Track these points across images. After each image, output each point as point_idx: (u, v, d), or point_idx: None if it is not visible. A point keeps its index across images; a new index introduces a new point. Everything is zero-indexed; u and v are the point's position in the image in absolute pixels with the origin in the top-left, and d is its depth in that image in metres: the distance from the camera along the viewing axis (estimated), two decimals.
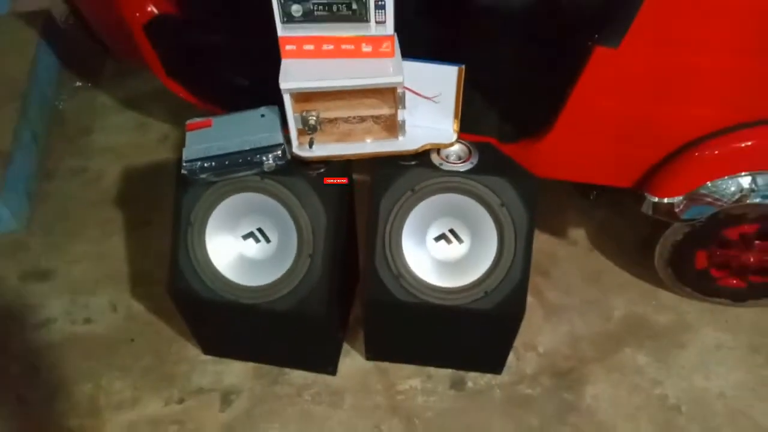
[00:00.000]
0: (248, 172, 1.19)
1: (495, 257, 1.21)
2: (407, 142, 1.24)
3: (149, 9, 1.87)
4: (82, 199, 1.91)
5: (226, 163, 1.16)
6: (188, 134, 1.21)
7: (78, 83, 2.28)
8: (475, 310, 1.22)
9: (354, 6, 1.12)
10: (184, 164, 1.15)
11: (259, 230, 1.26)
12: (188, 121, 1.25)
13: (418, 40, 1.25)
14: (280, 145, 1.18)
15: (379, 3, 1.11)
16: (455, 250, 1.25)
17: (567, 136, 1.32)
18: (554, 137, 1.32)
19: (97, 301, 1.65)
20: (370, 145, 1.25)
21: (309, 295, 1.21)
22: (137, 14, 1.73)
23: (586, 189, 1.52)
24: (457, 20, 1.67)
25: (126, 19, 1.60)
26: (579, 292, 1.64)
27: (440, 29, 1.60)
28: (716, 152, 1.26)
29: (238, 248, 1.27)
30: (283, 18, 1.14)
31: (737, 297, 1.57)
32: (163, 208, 1.43)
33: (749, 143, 1.24)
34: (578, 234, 1.76)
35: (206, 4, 1.88)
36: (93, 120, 2.16)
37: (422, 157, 1.24)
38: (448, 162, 1.23)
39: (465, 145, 1.26)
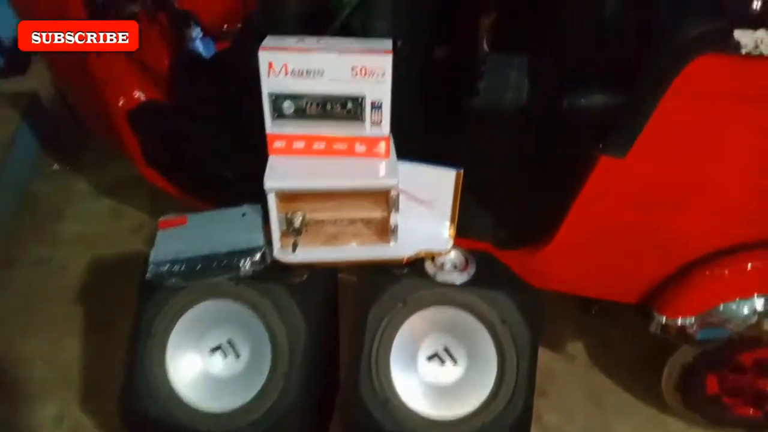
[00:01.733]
0: (223, 277, 1.07)
1: (495, 383, 1.08)
2: (399, 249, 1.14)
3: (136, 95, 1.83)
4: (43, 291, 1.76)
5: (198, 266, 1.04)
6: (159, 233, 1.11)
7: (56, 166, 2.19)
8: None
9: (349, 105, 1.06)
10: (150, 267, 1.03)
11: (229, 342, 1.12)
12: (162, 218, 1.15)
13: (413, 142, 1.19)
14: (260, 248, 1.07)
15: (376, 103, 1.06)
16: (450, 372, 1.11)
17: (568, 247, 1.23)
18: (555, 247, 1.23)
19: (42, 410, 1.46)
20: (359, 250, 1.15)
21: (281, 424, 1.05)
22: (122, 100, 1.69)
23: (588, 302, 1.41)
24: (455, 122, 1.64)
25: (108, 104, 1.54)
26: (581, 416, 1.48)
27: (437, 131, 1.55)
28: (729, 272, 1.17)
29: (203, 364, 1.12)
30: (273, 114, 1.07)
31: (753, 427, 1.43)
32: (129, 308, 1.28)
33: (764, 263, 1.16)
34: (576, 348, 1.63)
35: (196, 91, 1.84)
36: (66, 205, 2.05)
37: (415, 266, 1.14)
38: (443, 272, 1.12)
39: (461, 253, 1.16)
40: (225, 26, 1.99)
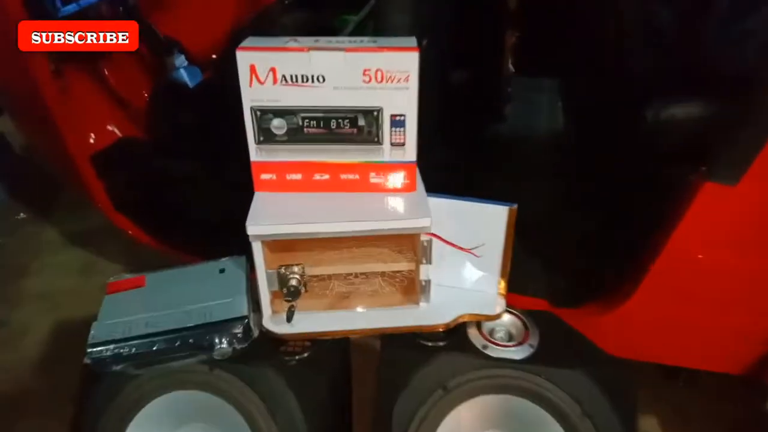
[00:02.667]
0: (191, 361, 0.77)
1: None
2: (433, 312, 0.85)
3: (108, 131, 1.59)
4: None
5: (155, 347, 0.74)
6: (106, 301, 0.81)
7: (22, 215, 1.93)
8: None
9: (361, 122, 0.78)
10: (90, 349, 0.74)
11: None
12: (111, 280, 0.86)
13: (443, 173, 0.91)
14: (242, 318, 0.78)
15: (397, 118, 0.78)
16: None
17: (655, 302, 0.93)
18: (636, 303, 0.93)
19: None
20: (379, 315, 0.85)
21: None
22: (89, 138, 1.46)
23: (674, 370, 1.10)
24: (479, 153, 1.37)
25: (69, 144, 1.29)
26: None
27: (458, 164, 1.29)
28: None
29: None
30: (259, 136, 0.80)
31: None
32: None
33: None
34: (650, 423, 1.30)
35: (178, 124, 1.61)
36: (32, 258, 1.78)
37: (455, 335, 0.84)
38: (494, 343, 0.82)
39: (519, 317, 0.86)
40: (214, 56, 1.77)
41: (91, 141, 1.55)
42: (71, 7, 1.27)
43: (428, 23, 1.10)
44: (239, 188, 0.83)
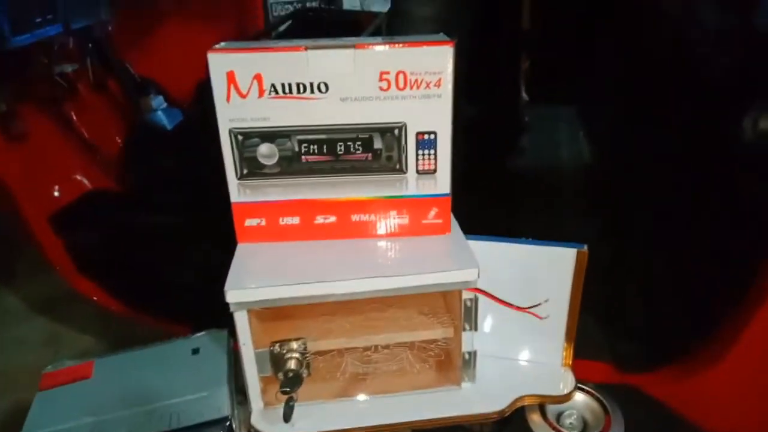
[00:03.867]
0: None
1: None
2: (481, 395, 0.63)
3: (77, 179, 1.42)
4: None
5: None
6: (39, 398, 0.60)
7: None
8: None
9: (377, 144, 0.59)
10: None
11: None
12: (47, 370, 0.64)
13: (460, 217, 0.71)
14: (223, 420, 0.56)
15: (426, 137, 0.59)
16: None
17: (754, 365, 0.73)
18: (730, 366, 0.73)
19: None
20: (408, 403, 0.63)
21: None
22: (55, 190, 1.28)
23: None
24: (499, 190, 1.19)
25: (18, 202, 1.11)
26: None
27: (480, 204, 1.10)
28: None
29: None
30: (240, 169, 0.60)
31: None
32: None
33: None
34: None
35: (154, 171, 1.43)
36: None
37: (512, 425, 0.62)
38: None
39: (592, 394, 0.65)
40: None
41: (54, 193, 1.37)
42: (24, 38, 1.10)
43: None
44: (225, 245, 0.64)
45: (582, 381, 0.66)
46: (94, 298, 1.17)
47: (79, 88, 1.40)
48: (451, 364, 0.65)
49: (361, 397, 0.64)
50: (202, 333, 0.67)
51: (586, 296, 0.66)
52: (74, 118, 1.41)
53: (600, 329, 0.84)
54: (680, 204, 0.80)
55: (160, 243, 1.26)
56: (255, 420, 0.61)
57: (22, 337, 1.53)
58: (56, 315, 1.58)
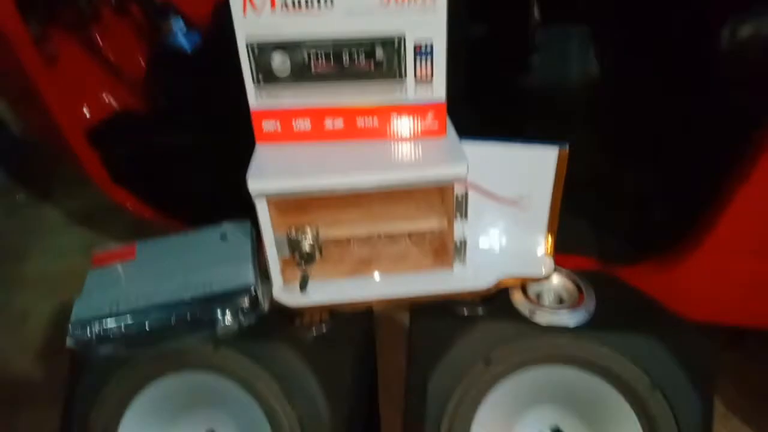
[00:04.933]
0: (191, 339, 0.66)
1: None
2: (470, 276, 0.73)
3: (106, 99, 1.50)
4: None
5: (147, 326, 0.64)
6: (91, 274, 0.71)
7: (21, 196, 1.84)
8: None
9: (379, 55, 0.66)
10: (71, 331, 0.63)
11: None
12: (96, 251, 0.75)
13: (474, 114, 0.78)
14: (248, 289, 0.66)
15: (423, 47, 0.66)
16: None
17: (727, 255, 0.81)
18: (704, 256, 0.81)
19: None
20: (407, 281, 0.74)
21: None
22: (81, 112, 1.36)
23: (738, 336, 0.98)
24: (507, 108, 1.24)
25: (57, 116, 1.19)
26: None
27: (485, 122, 1.16)
28: None
29: None
30: (257, 77, 0.67)
31: None
32: None
33: None
34: None
35: (177, 93, 1.50)
36: (31, 240, 1.69)
37: (497, 302, 0.72)
38: (543, 308, 0.71)
39: (569, 277, 0.74)
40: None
41: (86, 112, 1.45)
42: None
43: None
44: (246, 159, 0.73)
45: (560, 267, 0.75)
46: (128, 206, 1.27)
47: (102, 13, 1.45)
48: (445, 250, 0.74)
49: (367, 276, 0.74)
50: (228, 222, 0.77)
51: (572, 197, 0.74)
52: (99, 42, 1.47)
53: (584, 227, 0.93)
54: (667, 108, 0.86)
55: (185, 156, 1.36)
56: (276, 293, 0.72)
57: (62, 246, 1.67)
58: (93, 226, 1.71)
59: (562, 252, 0.80)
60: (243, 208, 0.79)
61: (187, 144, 1.38)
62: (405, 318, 0.77)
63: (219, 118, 1.31)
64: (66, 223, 1.75)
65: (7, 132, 1.96)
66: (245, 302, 0.65)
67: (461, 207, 0.68)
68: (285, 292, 0.72)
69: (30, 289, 1.54)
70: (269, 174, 0.65)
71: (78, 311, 0.65)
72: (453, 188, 0.67)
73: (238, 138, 0.79)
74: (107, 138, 1.33)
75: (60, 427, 0.71)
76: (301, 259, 0.69)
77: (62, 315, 1.45)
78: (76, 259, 1.61)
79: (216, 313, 0.64)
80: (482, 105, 1.24)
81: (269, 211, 0.67)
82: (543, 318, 0.69)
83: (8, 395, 1.26)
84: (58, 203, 1.81)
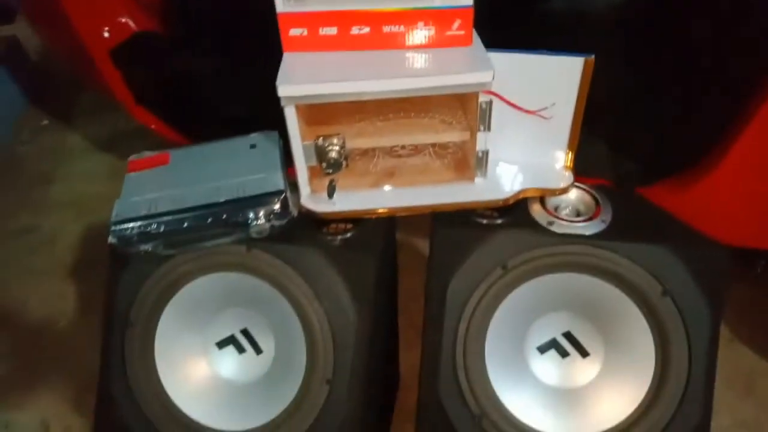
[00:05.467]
0: (225, 240, 0.70)
1: (651, 386, 0.70)
2: (490, 188, 0.75)
3: (122, 24, 1.48)
4: (27, 267, 1.44)
5: (185, 224, 0.67)
6: (128, 178, 0.74)
7: (45, 121, 1.86)
8: None
9: None
10: (113, 228, 0.67)
11: (244, 334, 0.76)
12: (132, 158, 0.78)
13: (494, 31, 0.78)
14: (279, 193, 0.69)
15: None
16: (577, 370, 0.73)
17: (748, 174, 0.82)
18: (720, 177, 0.82)
19: (22, 418, 1.15)
20: (429, 191, 0.76)
21: None
22: (103, 32, 1.36)
23: (753, 255, 1.00)
24: (527, 30, 1.23)
25: (82, 35, 1.19)
26: (726, 406, 1.09)
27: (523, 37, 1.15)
28: None
29: (209, 365, 0.77)
30: None
31: None
32: None
33: None
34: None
35: (200, 12, 1.48)
36: (57, 165, 1.73)
37: (516, 212, 0.75)
38: (561, 219, 0.73)
39: (587, 191, 0.76)
40: None
41: (105, 35, 1.45)
42: None
43: None
44: (269, 81, 0.74)
45: (579, 182, 0.77)
46: (152, 126, 1.29)
47: None
48: (466, 163, 0.76)
49: (390, 187, 0.77)
50: (257, 133, 0.79)
51: (589, 119, 0.75)
52: None
53: (601, 149, 0.94)
54: (690, 26, 0.85)
55: (206, 81, 1.36)
56: (303, 200, 0.75)
57: (88, 171, 1.71)
58: (117, 152, 1.74)
59: (579, 174, 0.82)
60: (267, 129, 0.81)
61: (209, 65, 1.39)
62: (422, 244, 0.79)
63: (240, 38, 1.31)
64: (90, 148, 1.78)
65: (26, 58, 1.97)
66: (277, 205, 0.68)
67: (485, 117, 0.70)
68: (312, 201, 0.75)
69: (57, 212, 1.58)
70: (298, 80, 0.67)
71: (119, 211, 0.68)
72: (477, 97, 0.68)
73: (259, 58, 0.80)
74: (129, 58, 1.34)
75: (104, 314, 0.75)
76: (328, 167, 0.71)
77: (90, 237, 1.51)
78: (102, 183, 1.65)
79: (249, 215, 0.68)
80: (502, 22, 1.22)
81: (298, 119, 0.69)
82: (560, 228, 0.72)
83: (46, 310, 1.33)
84: (82, 129, 1.84)
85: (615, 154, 0.96)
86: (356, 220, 0.76)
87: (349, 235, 0.74)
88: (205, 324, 0.76)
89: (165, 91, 1.32)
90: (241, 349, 0.76)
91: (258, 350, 0.76)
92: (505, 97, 0.70)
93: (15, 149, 1.79)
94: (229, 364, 0.76)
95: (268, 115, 0.81)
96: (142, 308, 0.73)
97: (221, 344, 0.77)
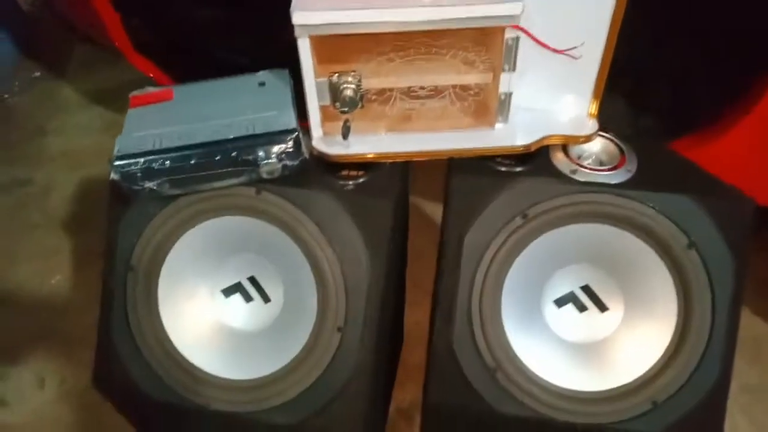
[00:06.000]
0: (234, 181, 0.67)
1: (673, 340, 0.68)
2: (512, 134, 0.72)
3: None
4: (21, 220, 1.41)
5: (192, 161, 0.63)
6: (130, 114, 0.70)
7: (37, 73, 1.80)
8: None
9: None
10: (116, 164, 0.63)
11: (252, 281, 0.73)
12: (134, 93, 0.74)
13: None
14: (291, 131, 0.66)
15: None
16: (595, 324, 0.71)
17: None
18: (744, 133, 0.80)
19: (17, 373, 1.13)
20: (447, 136, 0.73)
21: (336, 402, 0.67)
22: None
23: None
24: None
25: None
26: (737, 373, 1.08)
27: None
28: None
29: (214, 312, 0.74)
30: None
31: None
32: None
33: None
34: None
35: None
36: (50, 118, 1.67)
37: (537, 159, 0.72)
38: (584, 168, 0.70)
39: (612, 140, 0.73)
40: None
41: None
42: None
43: None
44: (272, 32, 0.69)
45: (604, 131, 0.74)
46: (151, 75, 1.24)
47: None
48: (487, 108, 0.73)
49: (406, 132, 0.73)
50: (266, 71, 0.75)
51: (610, 77, 0.71)
52: None
53: (621, 107, 0.91)
54: None
55: (208, 25, 1.31)
56: (316, 143, 0.71)
57: (82, 124, 1.66)
58: (111, 106, 1.69)
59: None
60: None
61: (210, 11, 1.33)
62: (426, 202, 0.76)
63: None
64: (84, 101, 1.73)
65: (17, 7, 1.89)
66: (289, 143, 0.65)
67: (510, 55, 0.66)
68: (325, 143, 0.71)
69: (51, 164, 1.54)
70: (313, 7, 0.62)
71: (121, 146, 0.65)
72: (504, 33, 0.64)
73: (261, 6, 0.75)
74: (129, 2, 1.28)
75: (105, 258, 0.72)
76: (343, 105, 0.67)
77: (85, 189, 1.47)
78: (97, 136, 1.61)
79: (259, 153, 0.64)
80: None
81: (312, 50, 0.65)
82: (583, 177, 0.69)
83: (43, 261, 1.29)
84: (75, 82, 1.78)
85: (634, 110, 0.93)
86: (369, 166, 0.73)
87: (362, 180, 0.71)
88: (212, 270, 0.73)
89: (165, 37, 1.27)
90: (248, 298, 0.74)
91: (266, 298, 0.73)
92: (529, 31, 0.66)
93: (6, 101, 1.73)
94: (236, 312, 0.74)
95: (271, 64, 0.77)
96: (145, 251, 0.70)
97: (227, 291, 0.74)
